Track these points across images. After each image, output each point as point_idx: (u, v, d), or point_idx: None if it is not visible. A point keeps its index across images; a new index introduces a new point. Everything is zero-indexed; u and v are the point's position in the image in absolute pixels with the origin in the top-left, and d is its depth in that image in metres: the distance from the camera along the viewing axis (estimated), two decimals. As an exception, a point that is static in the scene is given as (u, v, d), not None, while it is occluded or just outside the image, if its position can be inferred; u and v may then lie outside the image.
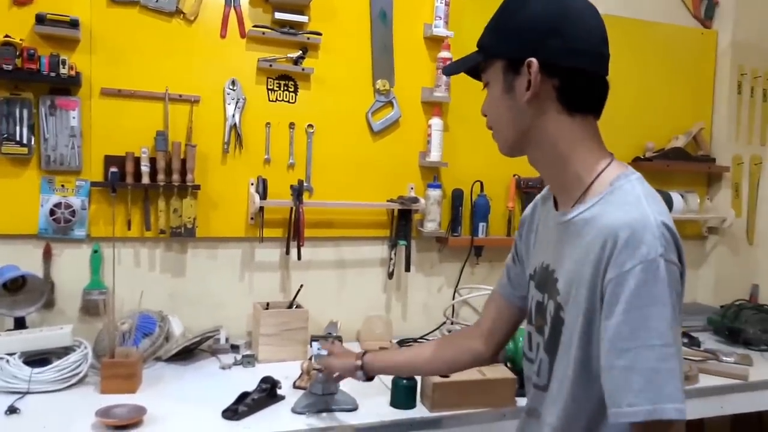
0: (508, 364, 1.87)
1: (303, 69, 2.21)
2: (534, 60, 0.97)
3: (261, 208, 2.16)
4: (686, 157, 2.76)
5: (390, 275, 2.38)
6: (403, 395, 1.69)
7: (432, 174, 2.42)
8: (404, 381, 1.68)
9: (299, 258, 2.17)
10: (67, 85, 1.95)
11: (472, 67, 1.09)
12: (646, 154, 2.73)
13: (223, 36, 2.14)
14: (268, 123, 2.21)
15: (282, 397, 1.69)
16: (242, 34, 2.16)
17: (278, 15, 2.16)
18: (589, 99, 1.02)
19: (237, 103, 2.15)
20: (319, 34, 2.21)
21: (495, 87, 1.04)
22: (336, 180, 2.31)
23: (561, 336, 1.01)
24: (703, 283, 2.92)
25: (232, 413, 1.57)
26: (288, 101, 2.24)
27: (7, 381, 1.64)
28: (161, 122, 2.08)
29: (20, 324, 1.90)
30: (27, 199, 1.97)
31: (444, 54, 2.33)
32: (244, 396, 1.64)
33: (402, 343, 2.27)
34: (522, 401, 1.19)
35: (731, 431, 2.70)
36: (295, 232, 2.18)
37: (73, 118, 1.97)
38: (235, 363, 1.97)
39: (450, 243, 2.43)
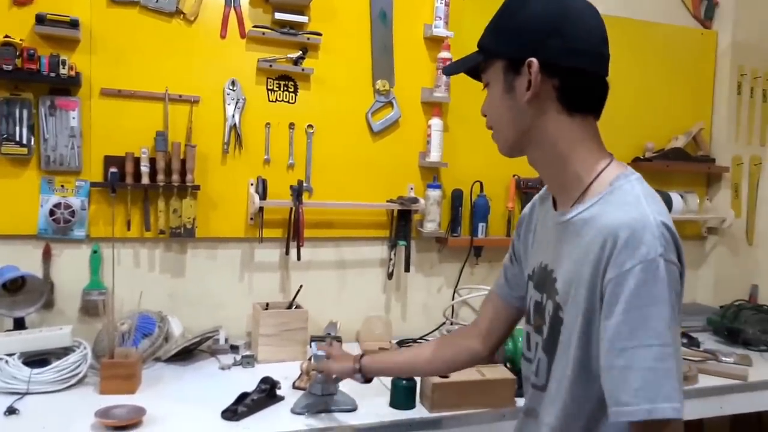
0: (508, 365, 1.87)
1: (303, 69, 2.21)
2: (534, 60, 0.97)
3: (261, 209, 2.16)
4: (686, 158, 2.76)
5: (390, 275, 2.38)
6: (402, 396, 1.69)
7: (432, 174, 2.42)
8: (404, 381, 1.68)
9: (299, 258, 2.17)
10: (67, 86, 1.95)
11: (472, 67, 1.09)
12: (646, 155, 2.73)
13: (223, 36, 2.14)
14: (267, 123, 2.21)
15: (281, 398, 1.69)
16: (242, 35, 2.16)
17: (278, 15, 2.16)
18: (589, 99, 1.02)
19: (237, 103, 2.15)
20: (319, 34, 2.21)
21: (495, 87, 1.04)
22: (336, 180, 2.30)
23: (559, 336, 1.01)
24: (702, 284, 2.92)
25: (231, 414, 1.57)
26: (288, 101, 2.24)
27: (7, 382, 1.64)
28: (161, 122, 2.07)
29: (20, 324, 1.90)
30: (27, 199, 1.97)
31: (444, 54, 2.33)
32: (243, 396, 1.64)
33: (402, 343, 2.27)
34: (521, 402, 1.19)
35: (731, 431, 2.70)
36: (294, 232, 2.18)
37: (73, 118, 1.97)
38: (235, 363, 1.97)
39: (450, 243, 2.43)
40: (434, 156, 2.34)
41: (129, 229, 2.05)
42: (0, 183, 1.94)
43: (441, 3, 2.33)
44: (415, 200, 2.34)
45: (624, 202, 0.94)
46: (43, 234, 1.98)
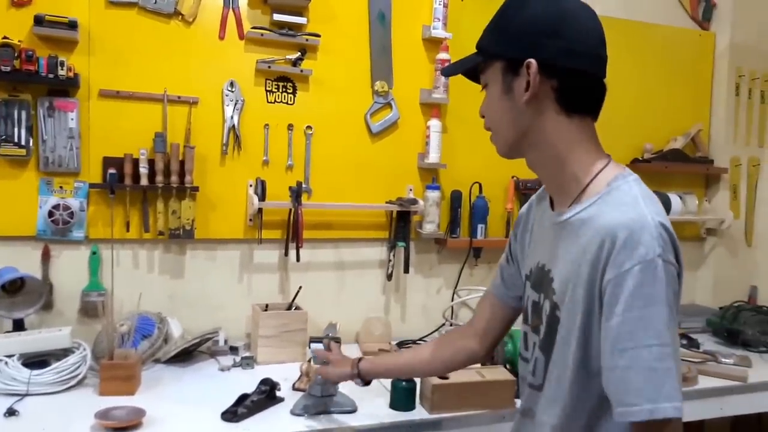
0: (507, 366, 1.87)
1: (302, 70, 2.21)
2: (533, 61, 0.97)
3: (260, 210, 2.16)
4: (684, 159, 2.76)
5: (389, 277, 2.38)
6: (402, 397, 1.69)
7: (431, 175, 2.43)
8: (403, 383, 1.68)
9: (298, 259, 2.17)
10: (66, 87, 1.95)
11: (471, 68, 1.09)
12: (645, 156, 2.73)
13: (221, 37, 2.14)
14: (266, 124, 2.21)
15: (281, 399, 1.69)
16: (241, 36, 2.16)
17: (277, 16, 2.16)
18: (587, 100, 1.02)
19: (235, 104, 2.15)
20: (318, 35, 2.21)
21: (494, 88, 1.05)
22: (335, 181, 2.31)
23: (557, 335, 1.01)
24: (701, 285, 2.92)
25: (231, 415, 1.57)
26: (286, 103, 2.24)
27: (6, 383, 1.64)
28: (160, 124, 2.07)
29: (19, 326, 1.90)
30: (25, 200, 1.96)
31: (442, 55, 2.33)
32: (243, 398, 1.64)
33: (401, 344, 2.27)
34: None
35: (730, 432, 2.70)
36: (293, 233, 2.18)
37: (72, 119, 1.97)
38: (234, 365, 1.97)
39: (449, 244, 2.43)
40: (433, 157, 2.35)
41: (128, 230, 2.05)
42: (-1, 184, 1.94)
43: (439, 4, 2.33)
44: (414, 201, 2.34)
45: (622, 203, 0.94)
46: (42, 235, 1.98)
